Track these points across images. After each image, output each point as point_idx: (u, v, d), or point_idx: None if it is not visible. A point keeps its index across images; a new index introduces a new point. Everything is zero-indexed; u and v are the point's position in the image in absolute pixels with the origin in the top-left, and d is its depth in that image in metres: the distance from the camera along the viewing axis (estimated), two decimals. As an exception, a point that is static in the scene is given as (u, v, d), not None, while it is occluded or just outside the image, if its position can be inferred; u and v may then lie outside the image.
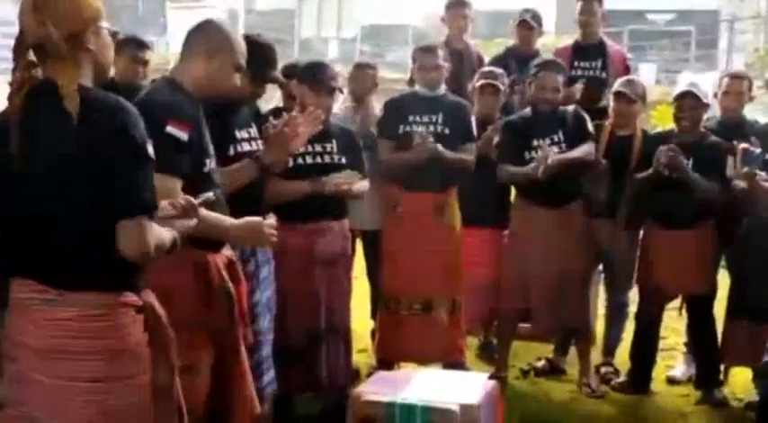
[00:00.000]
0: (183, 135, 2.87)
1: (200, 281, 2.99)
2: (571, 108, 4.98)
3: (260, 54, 3.66)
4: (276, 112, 4.37)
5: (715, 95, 5.07)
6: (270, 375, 3.75)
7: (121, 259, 2.37)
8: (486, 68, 5.48)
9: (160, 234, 2.44)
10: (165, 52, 16.28)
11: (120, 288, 2.41)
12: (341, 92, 4.57)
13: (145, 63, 5.10)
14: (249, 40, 3.73)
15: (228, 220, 3.03)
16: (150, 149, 2.40)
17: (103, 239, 2.35)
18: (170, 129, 2.85)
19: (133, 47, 5.03)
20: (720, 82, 5.12)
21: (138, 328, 2.44)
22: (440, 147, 4.73)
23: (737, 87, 5.06)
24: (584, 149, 4.87)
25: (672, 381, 5.14)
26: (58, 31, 2.37)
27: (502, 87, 5.26)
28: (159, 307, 2.53)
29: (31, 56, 2.41)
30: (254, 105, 3.89)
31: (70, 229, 2.35)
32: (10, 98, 2.39)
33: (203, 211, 2.74)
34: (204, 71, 3.03)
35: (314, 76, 4.25)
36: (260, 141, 3.71)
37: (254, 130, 3.74)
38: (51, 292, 2.35)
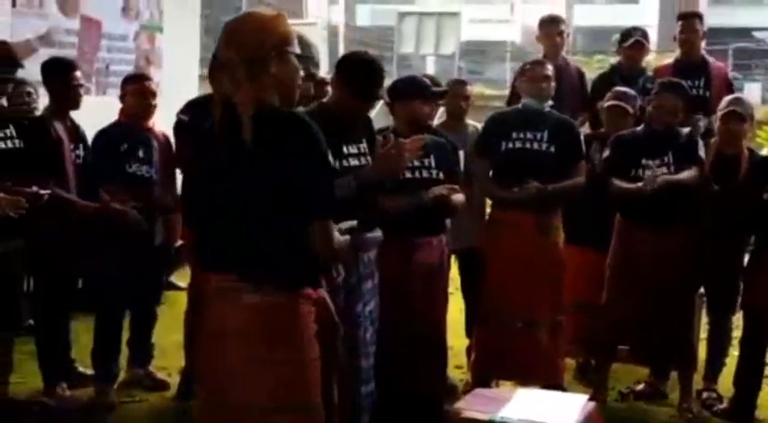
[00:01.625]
0: None
1: None
2: (686, 130, 4.89)
3: (365, 71, 3.72)
4: (383, 131, 4.39)
5: None
6: (369, 387, 3.78)
7: (307, 259, 2.68)
8: (620, 89, 5.39)
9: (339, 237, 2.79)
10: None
11: (303, 284, 2.71)
12: (439, 97, 4.59)
13: None
14: (356, 57, 3.83)
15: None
16: (331, 160, 2.72)
17: (294, 243, 2.65)
18: None
19: None
20: None
21: (311, 318, 2.72)
22: (549, 188, 4.68)
23: None
24: (689, 174, 4.78)
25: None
26: (238, 56, 2.64)
27: (631, 110, 5.22)
28: (331, 304, 2.82)
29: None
30: (366, 120, 3.93)
31: (261, 232, 2.64)
32: (213, 112, 2.72)
33: None
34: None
35: (405, 88, 4.35)
36: (369, 157, 3.77)
37: (363, 146, 3.79)
38: (243, 282, 2.64)
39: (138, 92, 4.97)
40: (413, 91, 4.34)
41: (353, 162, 3.72)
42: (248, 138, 2.60)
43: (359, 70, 3.72)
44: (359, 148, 3.76)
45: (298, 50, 2.74)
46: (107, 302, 4.89)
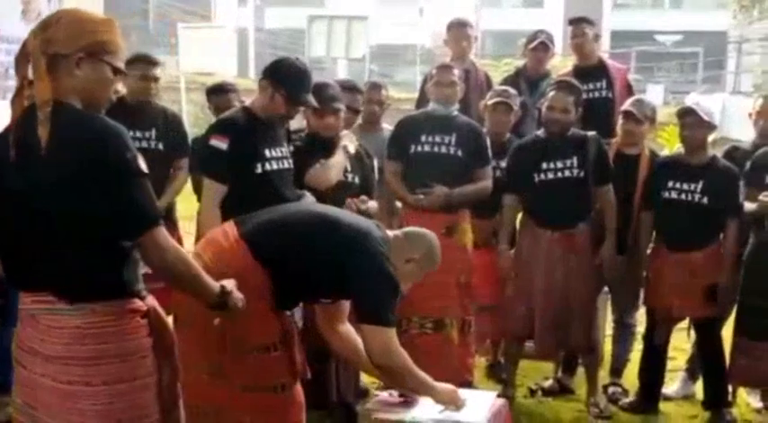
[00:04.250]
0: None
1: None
2: (591, 134, 4.89)
3: (298, 78, 3.78)
4: (297, 132, 4.40)
5: (750, 116, 5.05)
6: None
7: (126, 270, 2.46)
8: (500, 87, 5.48)
9: (180, 250, 2.54)
10: (176, 70, 16.38)
11: (125, 296, 2.49)
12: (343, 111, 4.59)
13: (155, 80, 5.18)
14: (290, 63, 3.86)
15: (431, 381, 3.42)
16: (139, 164, 2.42)
17: (108, 252, 2.44)
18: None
19: (143, 64, 5.09)
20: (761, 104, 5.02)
21: (144, 332, 2.53)
22: (455, 192, 4.78)
23: None
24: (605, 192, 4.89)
25: (666, 398, 5.12)
26: (42, 47, 2.40)
27: (515, 107, 5.27)
28: (163, 313, 2.62)
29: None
30: (286, 125, 4.02)
31: (71, 245, 2.40)
32: (13, 112, 2.46)
33: (413, 367, 3.30)
34: (404, 260, 3.34)
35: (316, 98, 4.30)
36: (290, 160, 3.90)
37: (285, 149, 3.89)
38: (61, 302, 2.42)
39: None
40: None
41: (276, 166, 3.80)
42: (44, 138, 2.33)
43: (294, 77, 3.78)
44: (281, 152, 3.85)
45: (118, 64, 2.51)
46: None
